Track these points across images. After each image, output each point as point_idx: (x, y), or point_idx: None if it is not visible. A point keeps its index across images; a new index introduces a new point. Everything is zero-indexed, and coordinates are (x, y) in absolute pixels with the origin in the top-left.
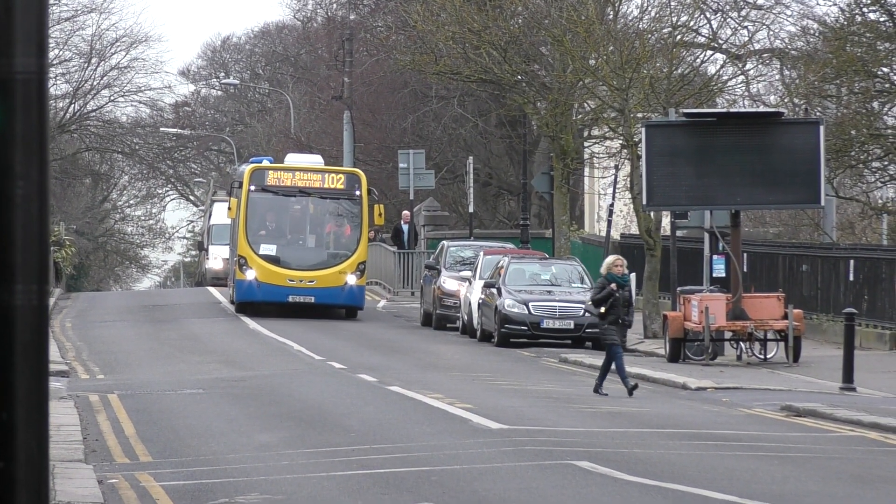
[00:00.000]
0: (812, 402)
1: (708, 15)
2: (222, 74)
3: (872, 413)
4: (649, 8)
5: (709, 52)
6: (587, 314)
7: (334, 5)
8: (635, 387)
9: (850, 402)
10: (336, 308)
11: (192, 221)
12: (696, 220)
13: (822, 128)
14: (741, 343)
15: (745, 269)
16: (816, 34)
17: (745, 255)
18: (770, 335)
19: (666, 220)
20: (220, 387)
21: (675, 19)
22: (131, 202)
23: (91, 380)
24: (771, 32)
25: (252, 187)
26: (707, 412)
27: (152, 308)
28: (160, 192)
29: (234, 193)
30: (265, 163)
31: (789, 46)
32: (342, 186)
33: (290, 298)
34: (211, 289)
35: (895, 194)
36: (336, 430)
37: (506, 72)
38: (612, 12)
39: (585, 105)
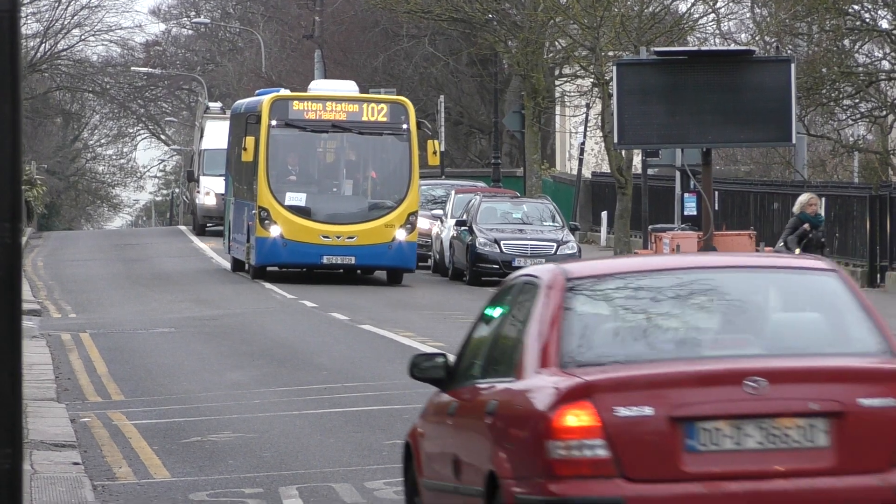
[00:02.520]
0: None
1: None
2: (193, 14)
3: None
4: None
5: None
6: (558, 253)
7: None
8: None
9: None
10: (381, 270)
11: (163, 161)
12: (667, 159)
13: (793, 66)
14: None
15: (716, 208)
16: None
17: (716, 193)
18: None
19: (637, 159)
20: (192, 325)
21: None
22: (102, 141)
23: (63, 319)
24: None
25: (273, 122)
26: None
27: (124, 247)
28: (131, 131)
29: (250, 130)
30: (283, 92)
31: None
32: (385, 119)
33: (325, 259)
34: (184, 228)
35: (866, 132)
36: (308, 368)
37: (477, 10)
38: None
39: (556, 44)
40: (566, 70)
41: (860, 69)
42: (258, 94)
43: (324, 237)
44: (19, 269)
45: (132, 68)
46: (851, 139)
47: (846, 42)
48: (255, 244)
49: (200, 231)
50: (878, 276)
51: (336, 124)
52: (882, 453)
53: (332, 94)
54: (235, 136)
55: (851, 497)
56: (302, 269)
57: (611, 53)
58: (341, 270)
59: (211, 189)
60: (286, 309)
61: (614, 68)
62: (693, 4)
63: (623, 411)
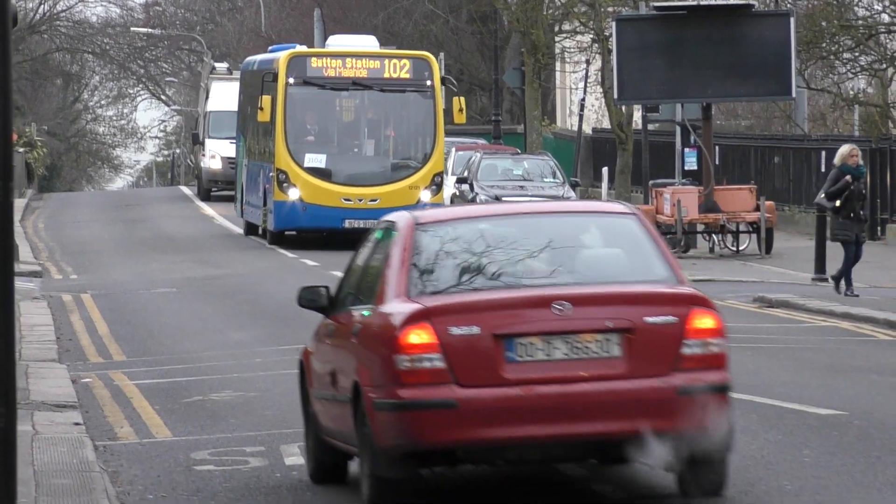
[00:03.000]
0: (784, 293)
1: None
2: None
3: (844, 303)
4: None
5: None
6: None
7: None
8: (848, 291)
9: (823, 293)
10: None
11: (163, 121)
12: (667, 114)
13: (792, 19)
14: (714, 235)
15: (716, 162)
16: None
17: (716, 147)
18: (742, 227)
19: (637, 114)
20: (194, 286)
21: None
22: (102, 102)
23: (64, 280)
24: None
25: (290, 80)
26: None
27: (125, 208)
28: (131, 92)
29: (267, 89)
30: (300, 48)
31: None
32: (408, 75)
33: (347, 223)
34: (185, 188)
35: (866, 85)
36: (310, 327)
37: None
38: None
39: (556, 0)
40: (566, 26)
41: (860, 22)
42: (272, 51)
43: (345, 200)
44: (11, 228)
45: (132, 29)
46: (851, 92)
47: None
48: (273, 208)
49: (206, 196)
50: (879, 228)
51: (356, 81)
52: (664, 361)
53: (352, 49)
54: (247, 95)
55: (639, 396)
56: (323, 234)
57: (610, 9)
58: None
59: (217, 152)
60: (288, 268)
61: (614, 24)
62: None
63: (455, 330)
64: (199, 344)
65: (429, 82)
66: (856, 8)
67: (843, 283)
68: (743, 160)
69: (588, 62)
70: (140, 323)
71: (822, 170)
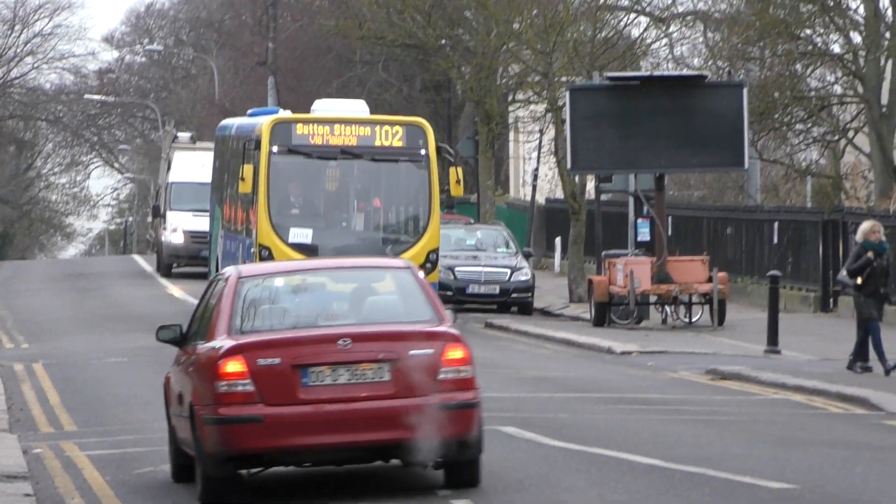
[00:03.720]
0: (737, 364)
1: None
2: (146, 41)
3: (797, 376)
4: None
5: (632, 15)
6: (512, 279)
7: None
8: (894, 367)
9: (775, 365)
10: None
11: (116, 189)
12: (620, 184)
13: (745, 90)
14: (666, 307)
15: (669, 233)
16: None
17: (669, 218)
18: (695, 298)
19: (590, 184)
20: (145, 355)
21: None
22: (56, 170)
23: (16, 349)
24: None
25: (274, 148)
26: (632, 376)
27: (77, 276)
28: (84, 159)
29: (248, 157)
30: (284, 114)
31: (713, 9)
32: (401, 143)
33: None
34: (137, 257)
35: (819, 156)
36: None
37: (430, 36)
38: None
39: (510, 69)
40: (519, 96)
41: (812, 94)
42: (251, 115)
43: None
44: None
45: (85, 96)
46: (804, 164)
47: (798, 66)
48: None
49: (166, 272)
50: (832, 300)
51: (345, 150)
52: (425, 384)
53: (340, 115)
54: (223, 162)
55: (406, 411)
56: None
57: (564, 79)
58: None
59: (179, 226)
60: None
61: (567, 93)
62: (646, 29)
63: (262, 361)
64: (150, 414)
65: (423, 151)
66: (808, 79)
67: (857, 362)
68: (696, 231)
69: (541, 132)
70: (91, 393)
71: (775, 241)
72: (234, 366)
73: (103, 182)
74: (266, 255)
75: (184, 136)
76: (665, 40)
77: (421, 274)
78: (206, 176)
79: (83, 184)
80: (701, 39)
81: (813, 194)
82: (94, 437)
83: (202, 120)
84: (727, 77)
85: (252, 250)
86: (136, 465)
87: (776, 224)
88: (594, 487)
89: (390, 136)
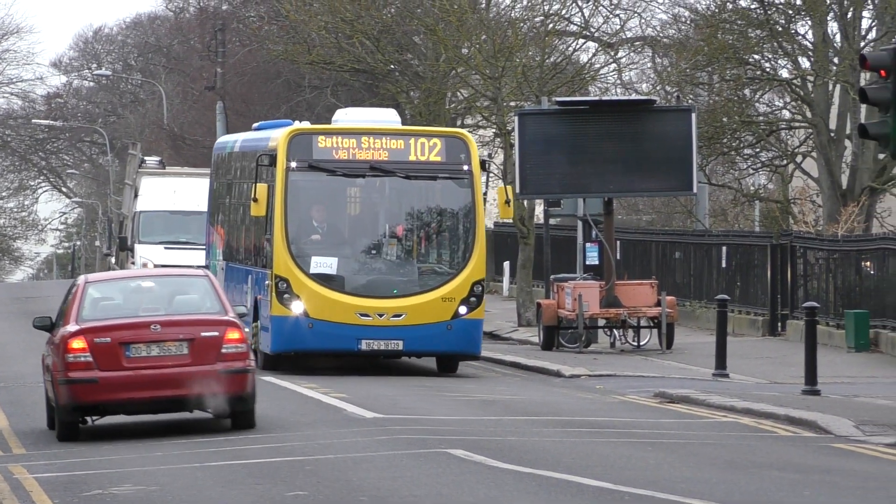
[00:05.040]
0: (685, 388)
1: (580, 3)
2: (94, 66)
3: (745, 399)
4: None
5: (581, 41)
6: None
7: None
8: None
9: (723, 388)
10: (437, 356)
11: (64, 213)
12: (569, 208)
13: (694, 115)
14: (615, 330)
15: (618, 257)
16: (688, 22)
17: (618, 242)
18: (643, 322)
19: (539, 209)
20: None
21: (547, 8)
22: (3, 194)
23: None
24: (643, 20)
25: (293, 164)
26: (581, 399)
27: (25, 300)
28: (32, 184)
29: (261, 175)
30: (302, 124)
31: (661, 34)
32: (439, 158)
33: (364, 345)
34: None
35: (767, 181)
36: (210, 420)
37: (379, 61)
38: (484, 1)
39: (458, 94)
40: (468, 120)
41: (761, 118)
42: (258, 129)
43: (362, 315)
44: None
45: (33, 120)
46: (752, 188)
47: (747, 91)
48: (271, 325)
49: None
50: (780, 324)
51: (375, 166)
52: (212, 356)
53: (369, 125)
54: (223, 183)
55: (198, 375)
56: (333, 358)
57: (512, 103)
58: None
59: (149, 260)
60: None
61: (516, 118)
62: (594, 54)
63: (98, 340)
64: (98, 437)
65: (466, 167)
66: (757, 104)
67: None
68: (644, 255)
69: (490, 156)
70: (40, 416)
71: (723, 265)
72: (78, 343)
73: (51, 206)
74: (284, 287)
75: (152, 160)
76: (613, 65)
77: (216, 281)
78: (178, 204)
79: (31, 208)
80: (649, 64)
81: (761, 219)
82: (42, 459)
83: (150, 145)
84: (676, 102)
85: (267, 283)
86: (84, 489)
87: (724, 248)
88: None
89: (427, 149)
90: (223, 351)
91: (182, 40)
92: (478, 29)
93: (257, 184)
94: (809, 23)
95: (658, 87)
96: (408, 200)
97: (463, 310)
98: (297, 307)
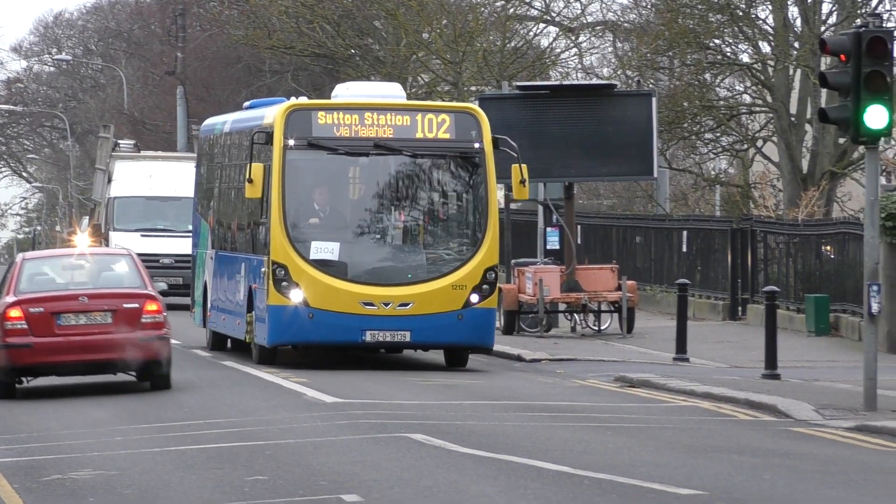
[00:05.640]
0: (646, 372)
1: None
2: (55, 50)
3: (705, 383)
4: None
5: (542, 25)
6: None
7: None
8: None
9: (684, 373)
10: (447, 349)
11: (25, 198)
12: (530, 193)
13: (654, 100)
14: (575, 315)
15: (578, 242)
16: (649, 6)
17: (578, 227)
18: (604, 307)
19: (500, 193)
20: None
21: None
22: None
23: None
24: (603, 5)
25: (291, 141)
26: (541, 384)
27: None
28: None
29: (256, 154)
30: (300, 99)
31: (622, 19)
32: (448, 135)
33: (369, 336)
34: None
35: (728, 165)
36: (170, 405)
37: (339, 46)
38: None
39: (419, 78)
40: None
41: (721, 103)
42: (249, 107)
43: (366, 304)
44: None
45: None
46: (713, 173)
47: (707, 76)
48: (268, 315)
49: None
50: (740, 308)
51: (380, 143)
52: (133, 324)
53: (372, 100)
54: (211, 166)
55: (120, 341)
56: (335, 350)
57: (473, 88)
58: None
59: (126, 247)
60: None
61: (476, 103)
62: (555, 39)
63: (32, 310)
64: (58, 421)
65: (477, 144)
66: (717, 89)
67: None
68: (605, 240)
69: None
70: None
71: (684, 249)
72: (14, 313)
73: (11, 191)
74: (282, 274)
75: (126, 143)
76: (574, 50)
77: (138, 260)
78: (154, 189)
79: None
80: (610, 49)
81: (722, 203)
82: (1, 444)
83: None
84: (636, 86)
85: (262, 270)
86: (43, 473)
87: (685, 233)
88: (503, 494)
89: (436, 125)
90: (142, 320)
91: (142, 25)
92: (438, 13)
93: (252, 164)
94: (770, 7)
95: (619, 72)
96: (415, 181)
97: (475, 298)
98: (295, 296)
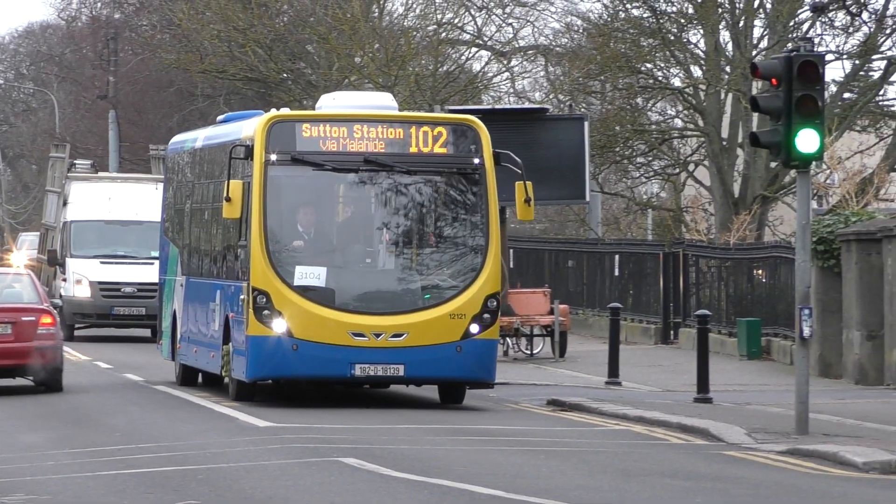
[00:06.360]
0: (578, 396)
1: (473, 12)
2: None
3: (638, 407)
4: (414, 5)
5: (474, 50)
6: None
7: (98, 4)
8: None
9: (616, 397)
10: (444, 384)
11: None
12: None
13: (586, 124)
14: (507, 339)
15: (511, 265)
16: (581, 31)
17: (511, 251)
18: (536, 331)
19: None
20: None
21: (440, 17)
22: None
23: None
24: (535, 29)
25: (273, 156)
26: (475, 407)
27: None
28: None
29: (235, 171)
30: (282, 111)
31: (554, 43)
32: (445, 149)
33: (359, 370)
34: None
35: (659, 189)
36: (102, 429)
37: (272, 70)
38: (377, 10)
39: None
40: None
41: (653, 127)
42: (223, 121)
43: (355, 335)
44: None
45: None
46: (645, 197)
47: (639, 100)
48: (249, 347)
49: (67, 334)
50: (672, 332)
51: (370, 159)
52: (30, 336)
53: (363, 111)
54: (180, 185)
55: (20, 350)
56: (323, 385)
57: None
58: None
59: (84, 276)
60: (81, 370)
61: None
62: (487, 63)
63: None
64: (37, 441)
65: (477, 160)
66: (649, 113)
67: None
68: (537, 264)
69: None
70: None
71: (616, 273)
72: None
73: None
74: (263, 302)
75: (83, 163)
76: (507, 74)
77: (36, 279)
78: (114, 212)
79: None
80: (542, 73)
81: (654, 227)
82: None
83: (42, 153)
84: (568, 110)
85: (241, 298)
86: (3, 493)
87: (617, 257)
88: None
89: (431, 139)
90: (38, 332)
91: (74, 49)
92: (371, 38)
93: (230, 181)
94: (701, 32)
95: (551, 96)
96: (409, 199)
97: (475, 328)
98: (278, 326)
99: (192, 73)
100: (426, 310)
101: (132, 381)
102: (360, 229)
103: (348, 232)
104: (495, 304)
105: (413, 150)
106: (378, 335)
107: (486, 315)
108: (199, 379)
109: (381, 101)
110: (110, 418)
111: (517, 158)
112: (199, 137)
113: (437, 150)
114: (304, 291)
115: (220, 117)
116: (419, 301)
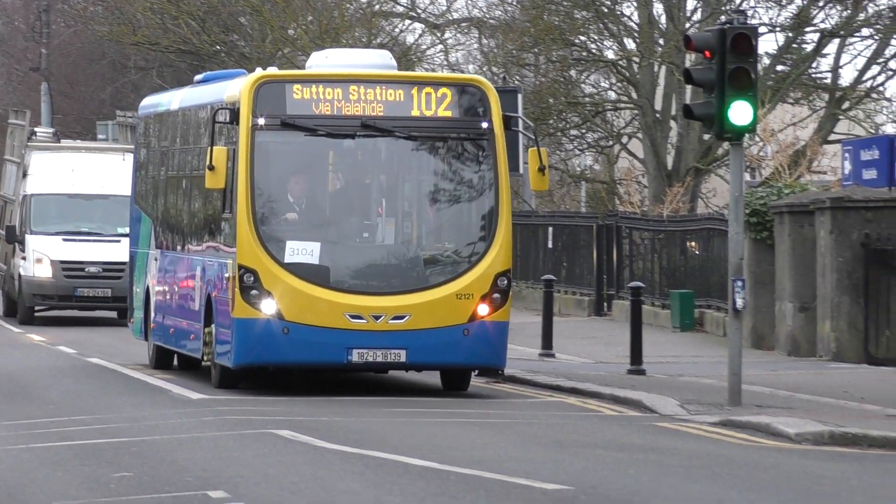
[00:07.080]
0: (512, 368)
1: None
2: None
3: (571, 378)
4: None
5: (407, 22)
6: None
7: None
8: None
9: (550, 368)
10: (449, 369)
11: None
12: None
13: (520, 96)
14: None
15: None
16: (514, 3)
17: None
18: None
19: None
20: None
21: None
22: None
23: None
24: (469, 1)
25: (261, 121)
26: (407, 379)
27: None
28: None
29: (218, 136)
30: (270, 70)
31: (487, 15)
32: (451, 112)
33: (356, 356)
34: None
35: (593, 162)
36: (35, 402)
37: (205, 42)
38: None
39: None
40: None
41: (587, 99)
42: (202, 81)
43: (352, 317)
44: None
45: None
46: (578, 169)
47: (573, 72)
48: (235, 331)
49: (26, 317)
50: (606, 304)
51: (368, 123)
52: None
53: (360, 71)
54: (153, 151)
55: None
56: (316, 372)
57: None
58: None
59: (45, 254)
60: (14, 343)
61: None
62: (421, 36)
63: None
64: None
65: (485, 123)
66: (583, 85)
67: None
68: None
69: None
70: None
71: (550, 246)
72: None
73: None
74: (251, 281)
75: (44, 132)
76: (440, 47)
77: None
78: (78, 185)
79: None
80: (476, 46)
81: (587, 199)
82: None
83: None
84: (502, 83)
85: (226, 276)
86: None
87: (551, 229)
88: (370, 489)
89: (435, 101)
90: None
91: (6, 21)
92: (304, 10)
93: (213, 147)
94: (635, 4)
95: (484, 68)
96: (410, 168)
97: (484, 309)
98: (268, 307)
99: (124, 45)
100: (430, 289)
101: (65, 353)
102: (357, 201)
103: (344, 203)
104: (506, 282)
105: (415, 113)
106: (377, 317)
107: (495, 295)
108: (175, 362)
109: (379, 60)
110: (44, 391)
111: (529, 122)
112: (174, 98)
113: (442, 113)
114: (296, 269)
115: (197, 77)
116: (422, 280)
